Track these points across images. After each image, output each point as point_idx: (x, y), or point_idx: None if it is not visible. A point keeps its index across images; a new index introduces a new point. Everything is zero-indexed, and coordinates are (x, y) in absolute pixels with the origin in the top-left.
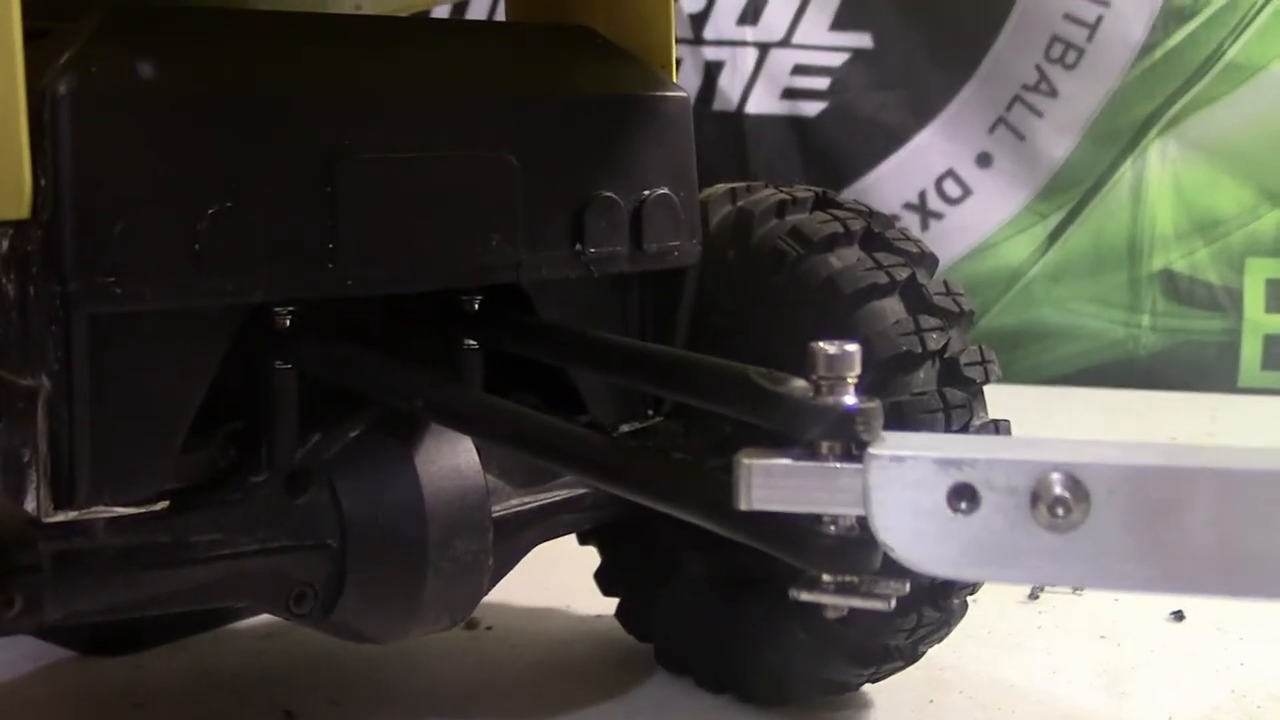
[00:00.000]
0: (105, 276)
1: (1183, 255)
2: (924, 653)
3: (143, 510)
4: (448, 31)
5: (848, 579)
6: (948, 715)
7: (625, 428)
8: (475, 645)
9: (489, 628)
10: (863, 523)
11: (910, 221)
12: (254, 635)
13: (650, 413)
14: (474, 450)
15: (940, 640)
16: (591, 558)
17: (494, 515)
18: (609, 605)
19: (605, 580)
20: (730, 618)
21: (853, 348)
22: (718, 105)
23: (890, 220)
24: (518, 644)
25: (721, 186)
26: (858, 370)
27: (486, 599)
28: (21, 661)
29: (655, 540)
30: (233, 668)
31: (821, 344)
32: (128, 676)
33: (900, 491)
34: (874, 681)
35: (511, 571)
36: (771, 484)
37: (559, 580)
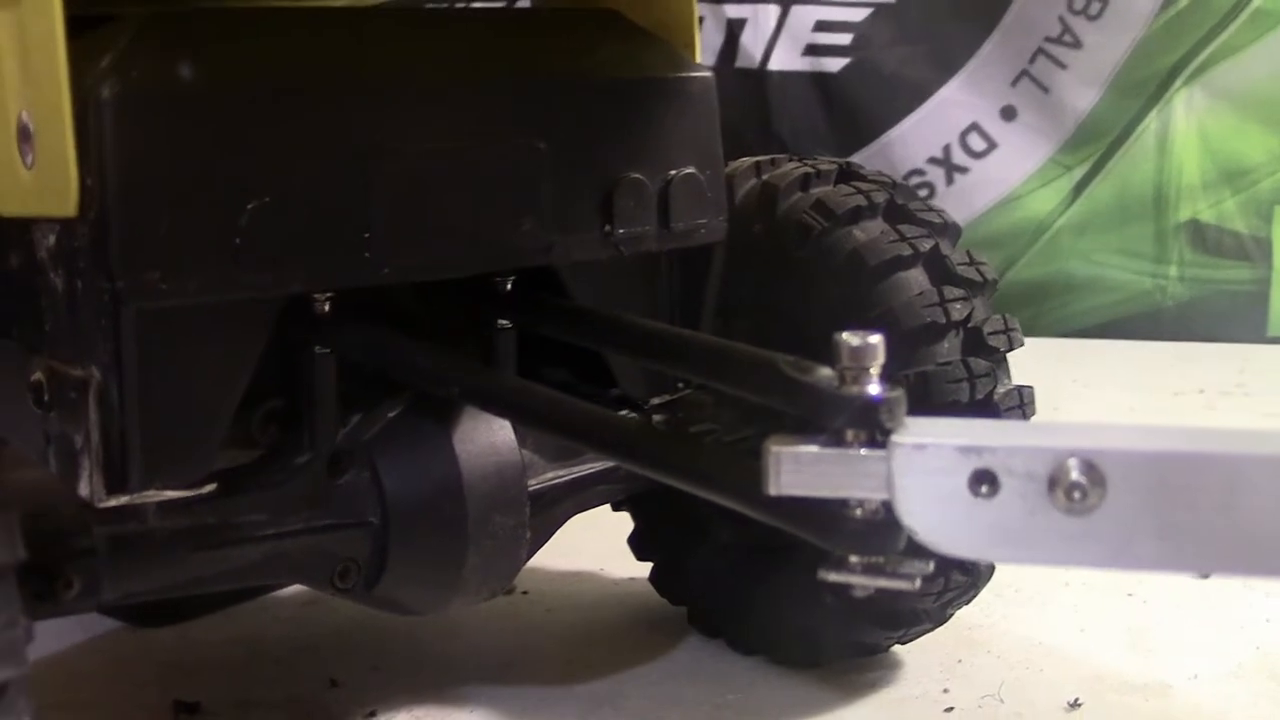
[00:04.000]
0: (151, 272)
1: (1210, 205)
2: (952, 614)
3: (192, 493)
4: (474, 19)
5: (874, 560)
6: (976, 675)
7: (655, 400)
8: (512, 610)
9: (525, 592)
10: (887, 507)
11: (935, 176)
12: (296, 603)
13: (680, 385)
14: (509, 427)
15: (968, 602)
16: (625, 523)
17: (530, 489)
18: (642, 570)
19: (639, 546)
20: (761, 582)
21: (875, 338)
22: (740, 62)
23: (913, 191)
24: (553, 608)
25: (747, 160)
26: (881, 360)
27: None
28: (70, 632)
29: (687, 507)
30: (276, 636)
31: (845, 335)
32: (174, 646)
33: (923, 477)
34: (903, 643)
35: None
36: (799, 470)
37: (593, 545)
